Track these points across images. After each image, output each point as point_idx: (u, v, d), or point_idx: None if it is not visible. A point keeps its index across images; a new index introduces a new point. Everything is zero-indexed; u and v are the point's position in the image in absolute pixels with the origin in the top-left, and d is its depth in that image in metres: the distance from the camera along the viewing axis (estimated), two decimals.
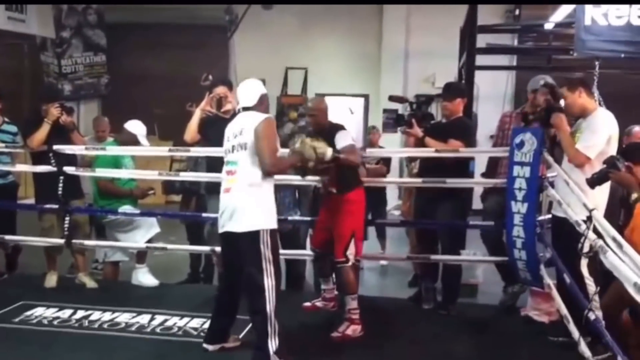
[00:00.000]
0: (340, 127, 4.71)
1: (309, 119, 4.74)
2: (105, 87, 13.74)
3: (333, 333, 4.55)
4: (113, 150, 5.77)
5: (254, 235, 3.84)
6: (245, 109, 4.06)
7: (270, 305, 3.80)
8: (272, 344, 3.78)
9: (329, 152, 4.31)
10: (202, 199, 5.79)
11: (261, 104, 4.07)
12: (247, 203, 3.87)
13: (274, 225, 3.95)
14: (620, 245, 3.07)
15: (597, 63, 7.21)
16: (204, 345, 4.23)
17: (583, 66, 7.98)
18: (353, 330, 4.56)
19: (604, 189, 4.26)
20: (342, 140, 4.56)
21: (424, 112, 5.44)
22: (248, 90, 4.10)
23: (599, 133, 4.23)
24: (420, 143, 5.20)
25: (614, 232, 3.27)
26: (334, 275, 5.15)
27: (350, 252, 4.62)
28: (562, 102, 4.34)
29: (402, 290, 6.14)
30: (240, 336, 4.34)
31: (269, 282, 3.82)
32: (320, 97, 4.90)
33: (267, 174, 3.92)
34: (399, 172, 11.19)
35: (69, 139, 5.65)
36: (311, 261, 5.91)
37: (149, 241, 5.80)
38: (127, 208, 5.77)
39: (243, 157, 3.92)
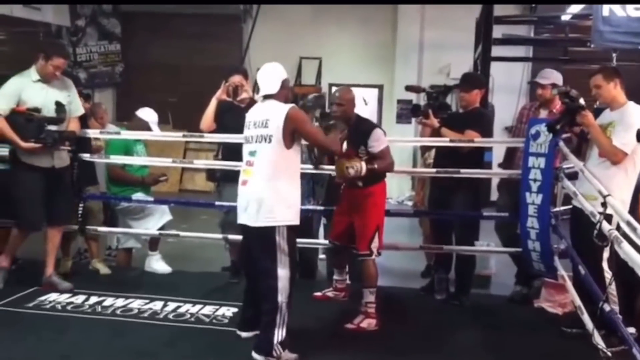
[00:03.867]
0: (371, 125, 4.68)
1: (335, 108, 4.61)
2: (119, 76, 13.77)
3: (347, 324, 4.53)
4: (128, 135, 5.79)
5: (269, 230, 3.79)
6: (267, 97, 3.95)
7: (282, 296, 3.78)
8: (278, 334, 3.78)
9: (363, 168, 4.34)
10: None
11: (283, 89, 3.95)
12: (264, 197, 3.79)
13: (293, 221, 3.86)
14: (634, 229, 3.04)
15: (614, 55, 7.14)
16: (238, 332, 4.22)
17: (600, 58, 7.90)
18: (368, 323, 4.54)
19: (630, 185, 4.22)
20: (377, 144, 4.53)
21: (440, 103, 5.40)
22: (269, 77, 3.96)
23: (634, 129, 4.07)
24: (436, 133, 5.17)
25: (628, 217, 3.23)
26: (347, 267, 5.14)
27: (375, 245, 4.59)
28: (581, 100, 4.26)
29: (414, 281, 6.11)
30: None
31: (282, 273, 3.79)
32: (347, 87, 4.82)
33: (330, 154, 4.30)
34: (412, 162, 11.18)
35: (85, 125, 5.66)
36: (325, 251, 5.91)
37: (162, 228, 5.82)
38: (139, 195, 5.79)
39: (264, 150, 3.82)
